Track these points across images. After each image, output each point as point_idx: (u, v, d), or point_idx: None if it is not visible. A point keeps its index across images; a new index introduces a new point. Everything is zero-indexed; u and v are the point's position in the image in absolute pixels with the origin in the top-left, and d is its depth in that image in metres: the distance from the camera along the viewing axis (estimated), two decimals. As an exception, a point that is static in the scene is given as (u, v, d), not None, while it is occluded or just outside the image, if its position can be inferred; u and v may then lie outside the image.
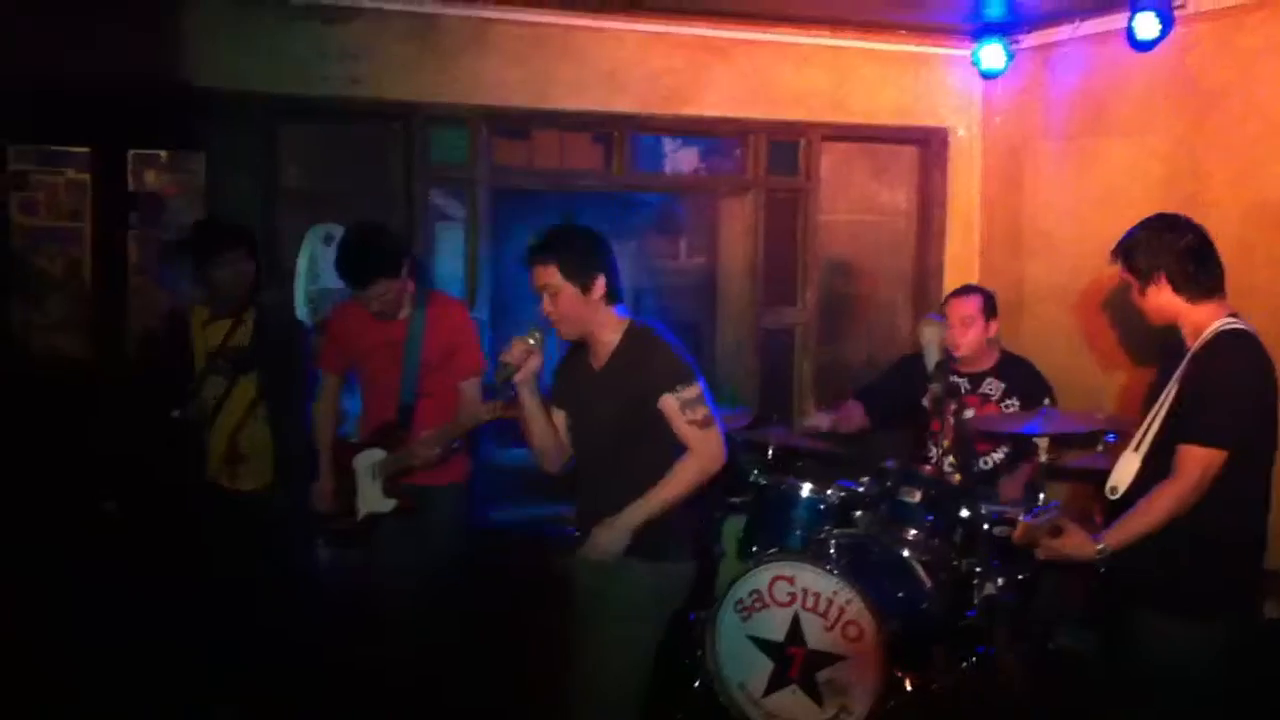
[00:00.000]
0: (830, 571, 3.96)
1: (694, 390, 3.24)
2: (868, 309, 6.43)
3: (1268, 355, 3.07)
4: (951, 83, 6.11)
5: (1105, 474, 3.22)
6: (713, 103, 5.75)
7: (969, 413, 4.48)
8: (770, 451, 4.59)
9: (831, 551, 4.14)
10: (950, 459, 4.34)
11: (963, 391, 4.59)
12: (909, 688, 3.99)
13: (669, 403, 3.22)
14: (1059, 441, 4.11)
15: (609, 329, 3.33)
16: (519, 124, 5.68)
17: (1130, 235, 3.20)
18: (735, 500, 4.58)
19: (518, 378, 3.28)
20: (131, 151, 5.83)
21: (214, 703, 4.21)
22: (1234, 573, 3.10)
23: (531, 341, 3.26)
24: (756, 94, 5.81)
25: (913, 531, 4.25)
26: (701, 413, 3.24)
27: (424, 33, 5.25)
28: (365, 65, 5.16)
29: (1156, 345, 3.35)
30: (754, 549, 4.35)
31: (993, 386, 4.62)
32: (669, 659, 3.52)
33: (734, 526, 4.54)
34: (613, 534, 3.23)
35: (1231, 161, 4.82)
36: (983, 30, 5.71)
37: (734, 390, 5.91)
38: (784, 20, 5.68)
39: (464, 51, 5.32)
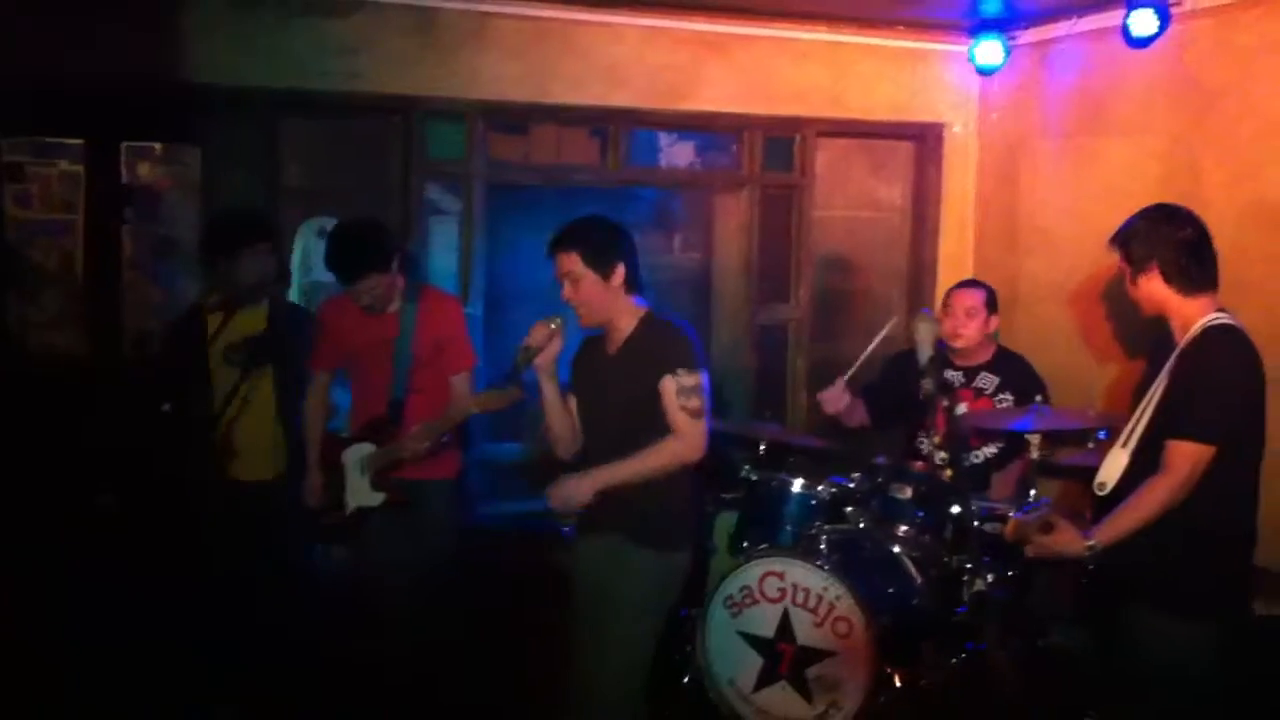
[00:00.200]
0: (820, 567, 3.96)
1: (694, 379, 3.28)
2: (862, 305, 6.42)
3: (1256, 350, 3.06)
4: (948, 79, 6.11)
5: (1096, 471, 3.20)
6: (711, 98, 5.74)
7: (962, 407, 4.47)
8: (762, 447, 4.59)
9: (822, 547, 4.14)
10: (942, 453, 4.33)
11: (957, 385, 4.59)
12: (898, 684, 3.99)
13: (667, 384, 3.27)
14: (1051, 438, 4.10)
15: (627, 316, 3.40)
16: (518, 118, 5.68)
17: (1130, 223, 3.19)
18: (727, 496, 4.58)
19: (538, 361, 3.36)
20: (125, 144, 5.80)
21: (214, 702, 4.19)
22: (1226, 568, 3.09)
23: (553, 326, 3.34)
24: (754, 89, 5.80)
25: (903, 528, 4.24)
26: (696, 402, 3.27)
27: (424, 27, 5.25)
28: (365, 60, 5.15)
29: (1149, 340, 3.34)
30: (745, 545, 4.34)
31: (987, 380, 4.61)
32: (659, 655, 3.51)
33: (725, 522, 4.53)
34: (580, 485, 3.31)
35: (1228, 160, 4.81)
36: (980, 26, 5.71)
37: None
38: (782, 16, 5.68)
39: (463, 46, 5.32)
